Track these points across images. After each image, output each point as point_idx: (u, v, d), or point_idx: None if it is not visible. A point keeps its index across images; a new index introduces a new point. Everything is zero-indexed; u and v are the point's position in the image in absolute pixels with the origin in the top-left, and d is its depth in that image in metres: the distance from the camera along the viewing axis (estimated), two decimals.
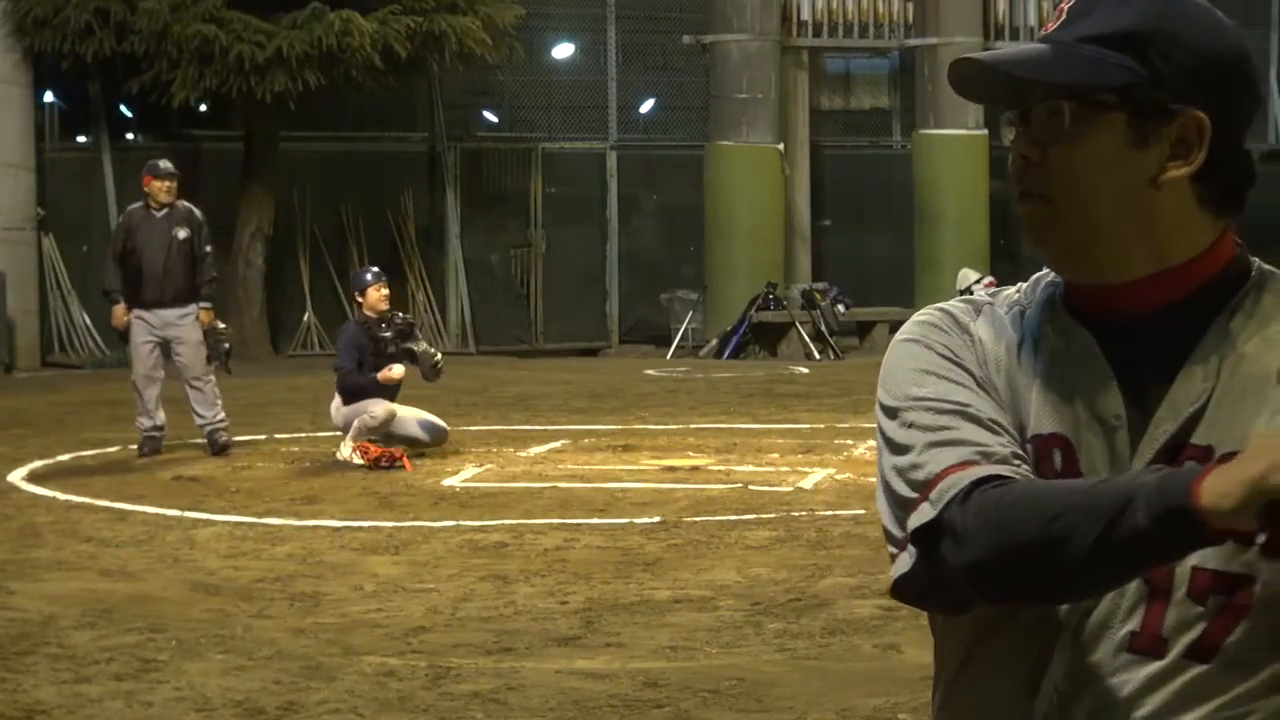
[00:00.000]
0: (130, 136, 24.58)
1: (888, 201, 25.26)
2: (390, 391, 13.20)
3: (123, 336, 13.63)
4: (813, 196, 25.15)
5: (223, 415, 13.45)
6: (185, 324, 13.34)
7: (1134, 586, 1.95)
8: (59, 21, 21.14)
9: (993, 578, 1.90)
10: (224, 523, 10.64)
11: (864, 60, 26.85)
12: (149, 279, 13.32)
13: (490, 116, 26.44)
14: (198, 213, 13.73)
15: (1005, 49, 2.06)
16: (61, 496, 11.60)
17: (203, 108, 22.82)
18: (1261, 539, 1.80)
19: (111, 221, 22.88)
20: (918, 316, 2.12)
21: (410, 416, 13.28)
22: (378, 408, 13.00)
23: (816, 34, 25.15)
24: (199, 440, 14.00)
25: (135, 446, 13.37)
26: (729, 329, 22.86)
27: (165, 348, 13.41)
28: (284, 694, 6.84)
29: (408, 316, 14.18)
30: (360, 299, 13.47)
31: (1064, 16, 2.01)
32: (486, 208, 24.97)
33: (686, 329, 23.44)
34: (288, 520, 10.73)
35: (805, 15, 24.96)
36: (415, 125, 25.05)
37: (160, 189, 13.51)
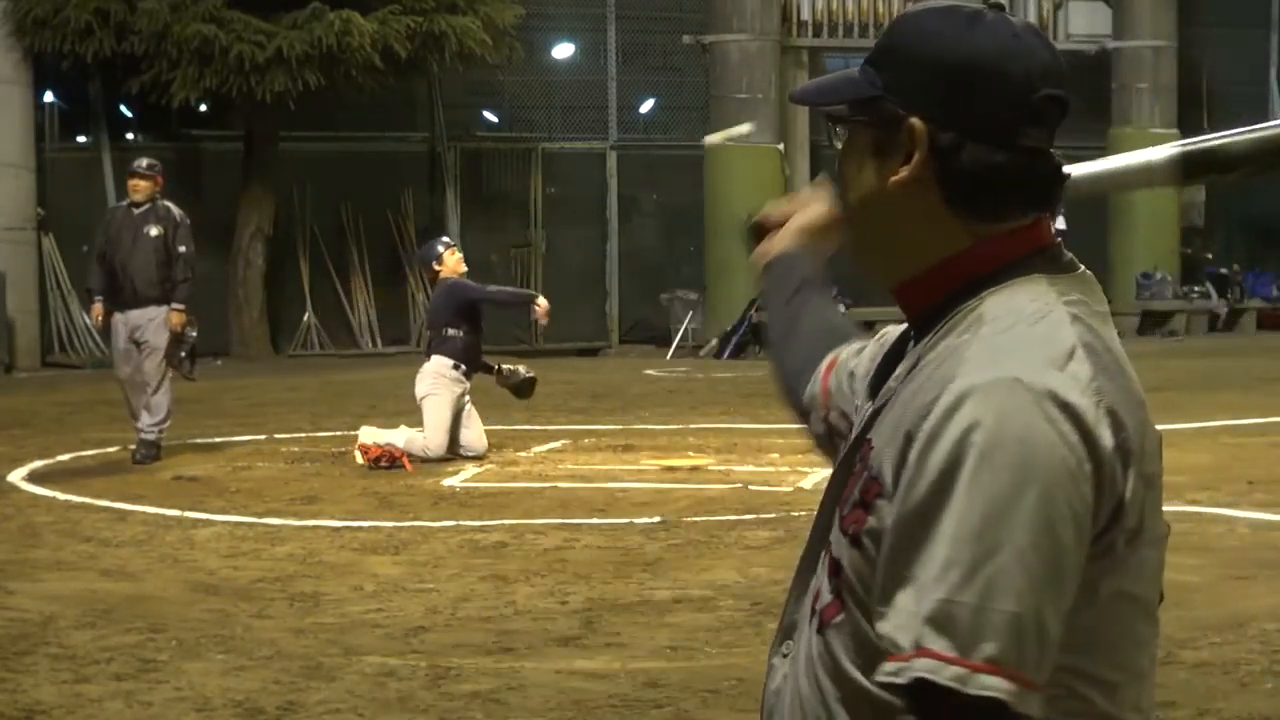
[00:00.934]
0: (130, 136, 24.59)
1: None
2: (475, 361, 13.19)
3: (105, 336, 13.68)
4: None
5: (165, 426, 13.12)
6: (151, 326, 13.01)
7: (826, 560, 2.10)
8: (59, 21, 21.15)
9: None
10: (224, 523, 10.64)
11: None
12: (119, 278, 13.13)
13: (490, 116, 26.44)
14: (176, 211, 13.30)
15: (812, 81, 2.30)
16: (61, 496, 11.60)
17: (203, 108, 22.82)
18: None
19: None
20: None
21: (468, 429, 13.25)
22: (442, 442, 12.95)
23: (816, 34, 25.16)
24: (199, 440, 14.02)
25: (132, 448, 13.19)
26: (729, 329, 22.86)
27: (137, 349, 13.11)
28: (284, 694, 6.84)
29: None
30: (439, 267, 13.42)
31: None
32: (486, 208, 24.97)
33: (686, 329, 23.44)
34: (288, 520, 10.73)
35: (805, 15, 24.97)
36: (415, 125, 25.06)
37: (133, 187, 13.33)
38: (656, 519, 10.56)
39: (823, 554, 2.11)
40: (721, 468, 12.70)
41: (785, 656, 2.17)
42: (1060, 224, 22.88)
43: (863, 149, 2.09)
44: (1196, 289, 27.19)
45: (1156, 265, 26.51)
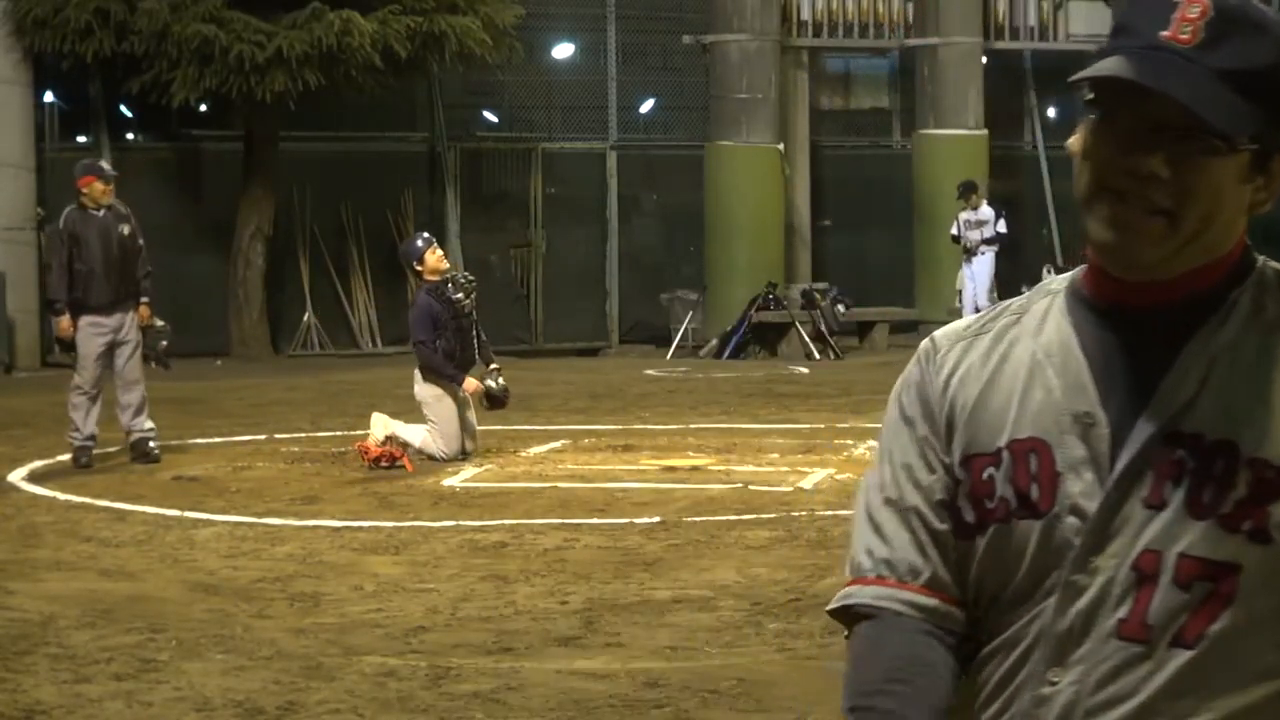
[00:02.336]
0: (130, 136, 24.58)
1: (888, 201, 25.26)
2: (461, 362, 13.20)
3: (67, 348, 13.04)
4: (813, 196, 25.15)
5: (152, 424, 13.09)
6: (131, 324, 12.99)
7: (1123, 573, 2.01)
8: (59, 21, 21.13)
9: None
10: (224, 523, 10.64)
11: (864, 60, 26.86)
12: (100, 281, 12.91)
13: (490, 116, 26.44)
14: (124, 207, 13.30)
15: (1163, 70, 2.03)
16: (61, 496, 11.60)
17: (203, 108, 22.81)
18: None
19: None
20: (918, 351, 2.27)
21: (467, 429, 13.26)
22: (453, 442, 12.95)
23: (816, 34, 25.16)
24: (199, 440, 14.02)
25: (69, 457, 12.92)
26: (729, 329, 22.85)
27: (108, 353, 12.95)
28: (284, 694, 6.84)
29: (468, 275, 14.12)
30: (419, 266, 13.40)
31: (1201, 34, 2.02)
32: (486, 208, 24.96)
33: (686, 329, 23.44)
34: (288, 520, 10.73)
35: (805, 15, 24.97)
36: (415, 125, 25.05)
37: (103, 191, 13.08)
38: (656, 519, 10.56)
39: (1120, 564, 2.03)
40: (721, 468, 12.70)
41: (1055, 685, 2.06)
42: (1001, 226, 22.94)
43: (1238, 170, 2.04)
44: None
45: None
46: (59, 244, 13.09)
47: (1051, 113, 27.88)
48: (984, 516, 2.11)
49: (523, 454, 13.58)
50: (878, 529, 2.18)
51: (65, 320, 12.89)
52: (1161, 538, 2.01)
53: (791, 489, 11.64)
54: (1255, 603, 2.00)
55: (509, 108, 25.98)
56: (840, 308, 23.31)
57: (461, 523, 10.56)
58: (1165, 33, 2.02)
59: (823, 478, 12.10)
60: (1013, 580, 2.09)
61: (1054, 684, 2.05)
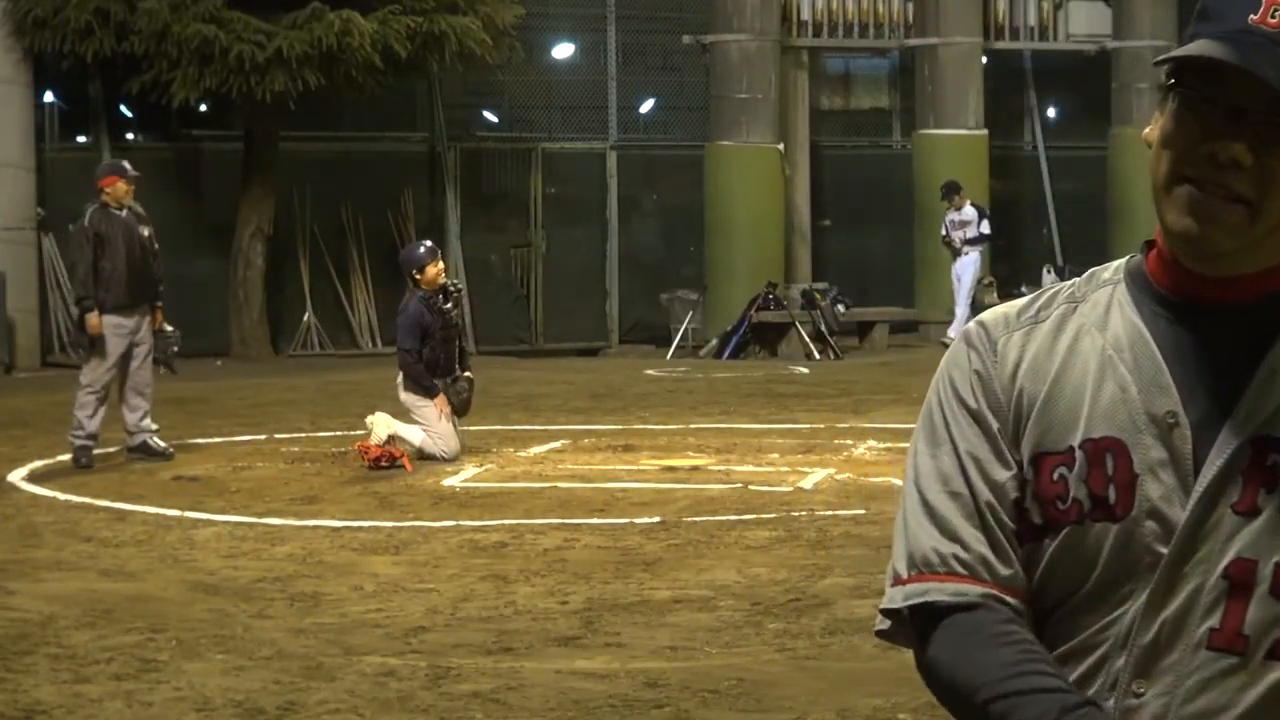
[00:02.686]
0: (130, 136, 24.57)
1: (888, 201, 25.26)
2: (441, 370, 13.24)
3: (88, 345, 12.97)
4: (813, 196, 25.15)
5: (154, 425, 13.20)
6: (147, 327, 13.09)
7: (1213, 581, 1.95)
8: (59, 21, 21.13)
9: (937, 698, 2.06)
10: (224, 523, 10.64)
11: (864, 60, 26.86)
12: (126, 281, 12.98)
13: (490, 116, 26.44)
14: (141, 209, 13.47)
15: (1252, 53, 1.98)
16: (61, 496, 11.60)
17: (203, 108, 22.81)
18: None
19: None
20: (962, 335, 2.17)
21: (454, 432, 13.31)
22: (448, 448, 12.98)
23: (816, 34, 25.15)
24: (199, 440, 14.01)
25: (69, 457, 12.93)
26: (729, 329, 22.85)
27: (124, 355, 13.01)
28: (284, 694, 6.84)
29: (457, 282, 14.15)
30: (418, 275, 13.43)
31: None
32: (486, 208, 24.96)
33: (686, 329, 23.44)
34: (288, 520, 10.73)
35: (805, 15, 24.96)
36: (415, 125, 25.05)
37: (126, 191, 13.19)
38: (656, 519, 10.56)
39: (1210, 572, 1.96)
40: (721, 468, 12.70)
41: (1141, 696, 1.98)
42: (985, 228, 22.97)
43: None
44: None
45: None
46: (84, 242, 13.07)
47: (1051, 113, 27.87)
48: (1055, 518, 2.03)
49: (523, 454, 13.58)
50: (942, 524, 2.07)
51: (96, 317, 12.89)
52: (1256, 545, 1.94)
53: (791, 489, 11.64)
54: None
55: (509, 108, 25.98)
56: (840, 308, 23.31)
57: (461, 523, 10.56)
58: (1254, 16, 1.97)
59: (823, 478, 12.10)
60: (1084, 585, 2.02)
61: (1139, 695, 1.98)
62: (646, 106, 26.43)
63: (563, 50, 26.12)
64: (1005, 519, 2.05)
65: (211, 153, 23.69)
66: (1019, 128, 27.20)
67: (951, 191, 22.84)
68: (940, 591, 2.04)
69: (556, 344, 24.21)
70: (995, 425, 2.07)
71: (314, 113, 22.58)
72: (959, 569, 2.04)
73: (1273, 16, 1.97)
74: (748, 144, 23.53)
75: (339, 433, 14.47)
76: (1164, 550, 1.97)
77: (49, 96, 23.52)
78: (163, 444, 13.19)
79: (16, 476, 12.44)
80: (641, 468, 12.83)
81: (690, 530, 10.18)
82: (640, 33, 25.58)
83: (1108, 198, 26.48)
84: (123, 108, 23.85)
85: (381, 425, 12.90)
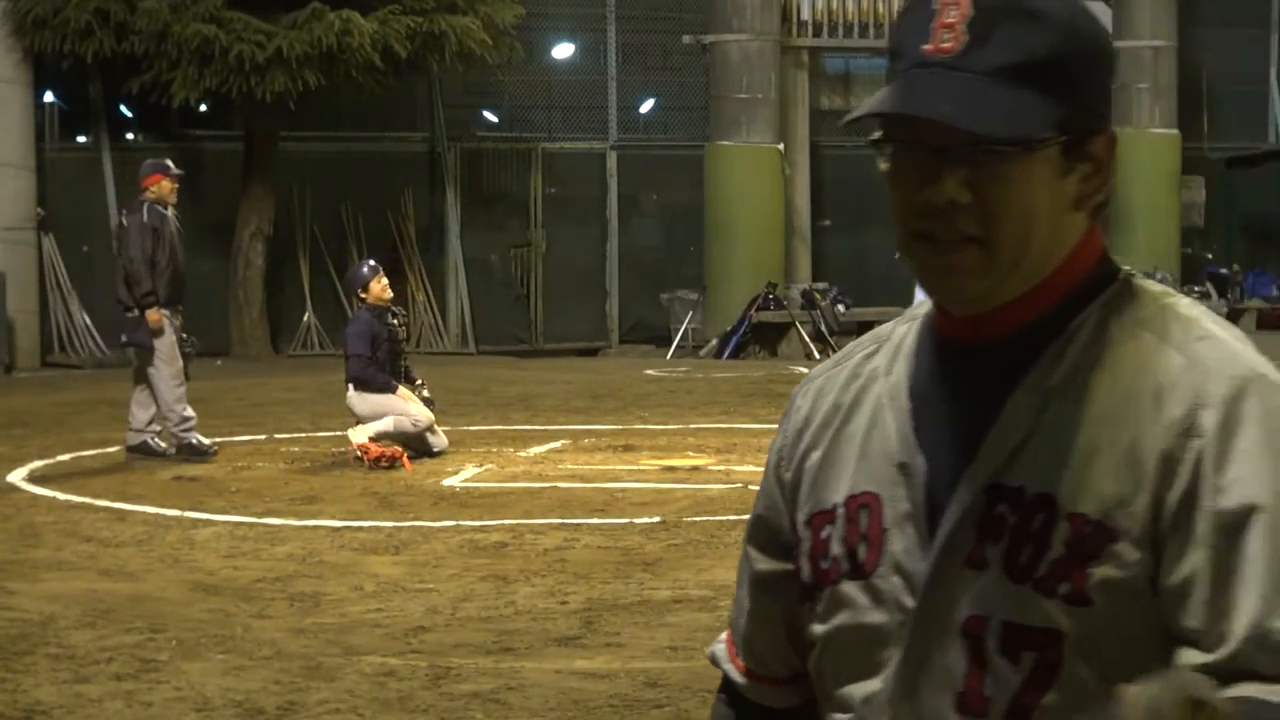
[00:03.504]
0: (130, 136, 24.58)
1: (888, 201, 25.24)
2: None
3: (155, 336, 13.12)
4: (813, 196, 25.15)
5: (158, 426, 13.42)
6: (177, 326, 13.33)
7: (955, 640, 1.84)
8: (59, 21, 21.14)
9: None
10: (224, 523, 10.64)
11: (864, 60, 26.85)
12: (176, 278, 13.29)
13: (490, 116, 26.44)
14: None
15: (925, 89, 1.83)
16: (61, 496, 11.60)
17: (203, 108, 22.82)
18: None
19: (111, 221, 22.88)
20: None
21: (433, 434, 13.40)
22: (421, 414, 13.05)
23: (816, 34, 25.16)
24: (199, 440, 13.99)
25: (191, 449, 13.14)
26: (729, 329, 22.86)
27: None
28: (284, 694, 6.84)
29: (402, 309, 14.25)
30: (363, 294, 13.51)
31: (965, 38, 1.82)
32: (486, 208, 24.97)
33: (686, 329, 23.44)
34: (288, 520, 10.73)
35: (805, 15, 24.97)
36: (415, 125, 25.06)
37: (170, 189, 13.38)
38: (656, 519, 10.56)
39: (947, 630, 1.85)
40: (721, 468, 12.70)
41: None
42: None
43: (1048, 171, 1.83)
44: (1196, 289, 27.20)
45: (1156, 265, 26.50)
46: (141, 237, 13.15)
47: None
48: (819, 578, 1.95)
49: (523, 454, 13.58)
50: (739, 583, 2.12)
51: (157, 312, 13.09)
52: (984, 602, 1.82)
53: None
54: (1083, 671, 1.79)
55: (509, 108, 25.98)
56: (840, 308, 23.31)
57: (461, 523, 10.56)
58: (927, 46, 1.82)
59: None
60: (849, 646, 1.92)
61: None
62: (646, 106, 26.44)
63: (563, 50, 26.12)
64: (765, 592, 2.08)
65: (211, 153, 23.70)
66: None
67: None
68: (720, 655, 2.18)
69: (556, 344, 24.22)
70: (774, 486, 2.04)
71: (314, 113, 22.60)
72: (735, 639, 2.15)
73: (944, 41, 1.82)
74: (748, 144, 23.54)
75: (339, 433, 14.45)
76: (912, 607, 1.88)
77: (49, 96, 23.53)
78: (164, 444, 13.22)
79: (16, 476, 12.45)
80: (641, 468, 12.83)
81: (690, 530, 10.18)
82: (640, 33, 25.58)
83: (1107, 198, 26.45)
84: (123, 108, 23.85)
85: (359, 434, 12.92)
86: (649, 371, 20.69)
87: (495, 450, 13.72)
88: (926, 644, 1.86)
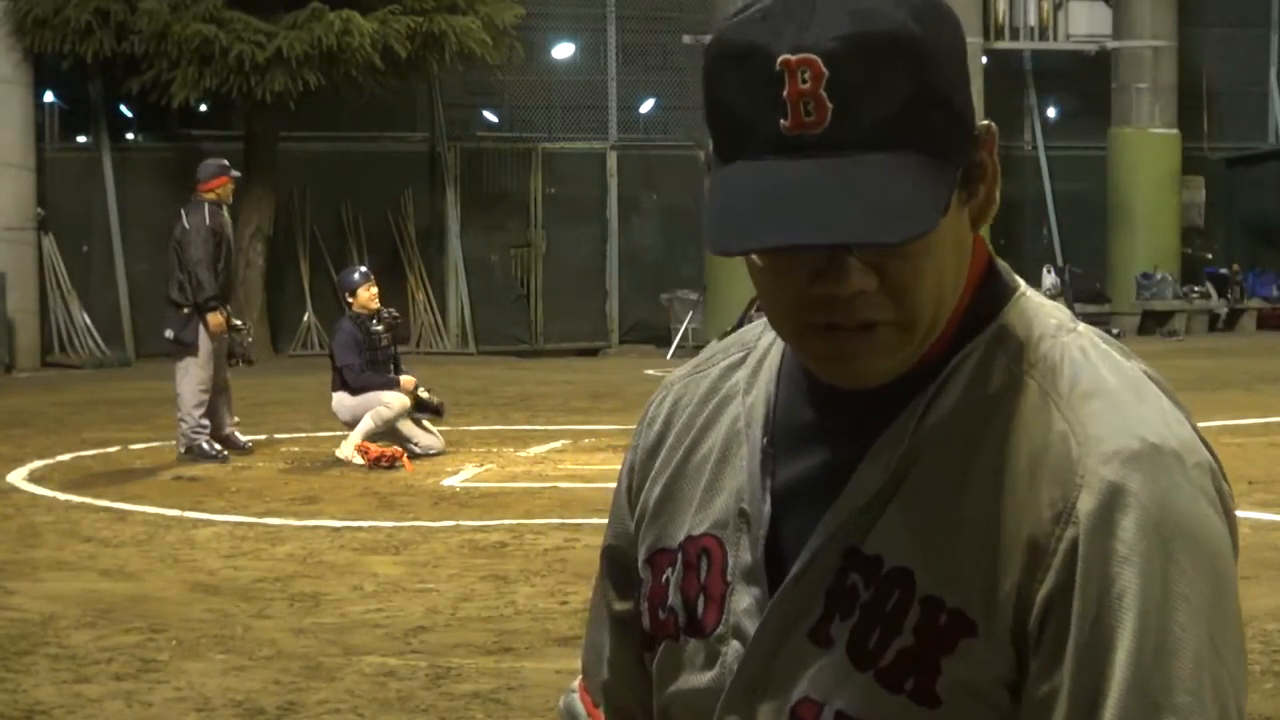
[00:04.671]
0: (130, 136, 24.59)
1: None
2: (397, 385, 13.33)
3: (213, 339, 13.12)
4: None
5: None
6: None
7: (776, 714, 1.60)
8: (59, 21, 21.15)
9: None
10: (224, 523, 10.64)
11: None
12: (229, 278, 13.47)
13: (490, 116, 26.45)
14: None
15: (807, 197, 1.47)
16: (61, 496, 11.60)
17: (203, 108, 22.82)
18: None
19: (112, 221, 22.91)
20: None
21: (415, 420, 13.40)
22: (393, 400, 13.06)
23: None
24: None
25: (200, 452, 13.16)
26: (729, 329, 22.84)
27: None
28: (284, 694, 6.84)
29: (393, 311, 14.20)
30: (350, 299, 13.52)
31: (829, 105, 1.47)
32: (486, 208, 24.97)
33: (686, 329, 23.44)
34: (288, 520, 10.73)
35: None
36: (415, 125, 25.06)
37: (231, 190, 13.56)
38: None
39: (779, 711, 1.60)
40: None
41: None
42: None
43: (949, 218, 1.52)
44: (1196, 289, 27.21)
45: (1157, 265, 26.53)
46: (203, 240, 13.12)
47: (1051, 113, 27.87)
48: (656, 629, 1.71)
49: (523, 454, 13.58)
50: (593, 621, 1.88)
51: (220, 315, 13.13)
52: (822, 686, 1.57)
53: None
54: None
55: (509, 108, 25.99)
56: None
57: (461, 523, 10.56)
58: (785, 122, 1.49)
59: None
60: (684, 708, 1.69)
61: None
62: (646, 106, 26.44)
63: (563, 50, 26.12)
64: (611, 628, 1.84)
65: (211, 153, 23.66)
66: (1019, 128, 27.21)
67: None
68: (584, 716, 1.88)
69: (556, 344, 24.23)
70: (622, 511, 1.82)
71: (314, 113, 22.60)
72: (589, 687, 1.88)
73: (807, 115, 1.48)
74: None
75: (339, 433, 14.45)
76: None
77: (49, 96, 23.54)
78: (217, 446, 13.28)
79: (16, 476, 12.45)
80: None
81: None
82: (640, 33, 25.59)
83: (1107, 198, 26.48)
84: (123, 108, 23.86)
85: (346, 448, 12.91)
86: (649, 371, 20.69)
87: (495, 450, 13.72)
88: (754, 716, 1.62)
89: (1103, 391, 1.55)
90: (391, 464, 12.71)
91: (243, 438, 13.60)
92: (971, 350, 1.58)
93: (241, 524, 10.58)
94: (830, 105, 1.48)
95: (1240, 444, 13.21)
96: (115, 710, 6.66)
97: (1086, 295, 24.36)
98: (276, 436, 14.58)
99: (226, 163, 13.83)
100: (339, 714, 6.62)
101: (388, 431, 13.14)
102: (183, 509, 11.06)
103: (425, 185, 24.55)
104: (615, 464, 12.91)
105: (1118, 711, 1.47)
